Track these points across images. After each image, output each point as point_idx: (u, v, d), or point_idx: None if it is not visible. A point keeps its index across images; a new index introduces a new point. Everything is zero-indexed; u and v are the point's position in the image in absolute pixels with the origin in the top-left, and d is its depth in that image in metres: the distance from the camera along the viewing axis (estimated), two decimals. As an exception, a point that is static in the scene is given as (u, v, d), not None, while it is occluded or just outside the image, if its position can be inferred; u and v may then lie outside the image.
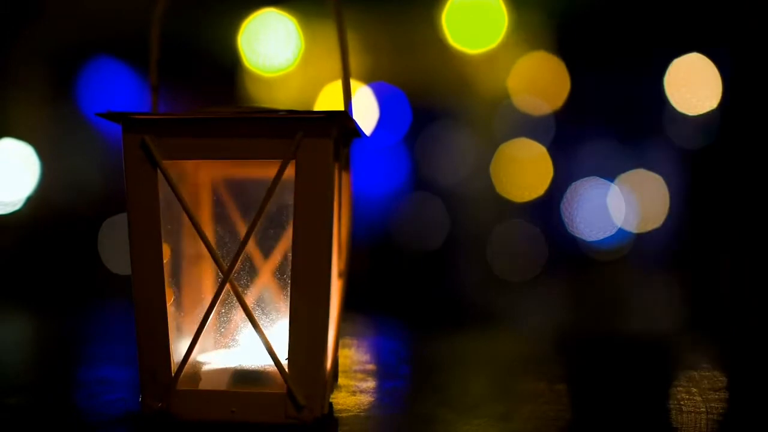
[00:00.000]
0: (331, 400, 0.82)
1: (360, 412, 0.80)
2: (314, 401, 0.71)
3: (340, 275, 0.82)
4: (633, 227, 3.22)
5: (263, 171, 0.75)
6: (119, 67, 3.15)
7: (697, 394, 0.88)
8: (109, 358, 1.15)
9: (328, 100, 3.12)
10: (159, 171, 0.72)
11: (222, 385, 0.74)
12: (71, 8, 3.06)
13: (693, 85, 3.17)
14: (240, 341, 0.78)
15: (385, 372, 1.07)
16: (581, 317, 2.85)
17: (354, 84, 0.82)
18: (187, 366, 0.73)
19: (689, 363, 1.15)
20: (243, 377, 0.74)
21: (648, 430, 0.77)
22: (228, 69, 3.21)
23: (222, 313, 0.77)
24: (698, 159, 3.18)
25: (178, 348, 0.75)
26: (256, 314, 0.74)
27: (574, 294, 3.08)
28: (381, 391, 0.93)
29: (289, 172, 0.72)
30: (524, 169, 3.29)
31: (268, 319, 0.76)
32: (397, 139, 3.32)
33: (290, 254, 0.72)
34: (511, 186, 3.28)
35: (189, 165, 0.78)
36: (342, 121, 0.74)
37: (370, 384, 0.95)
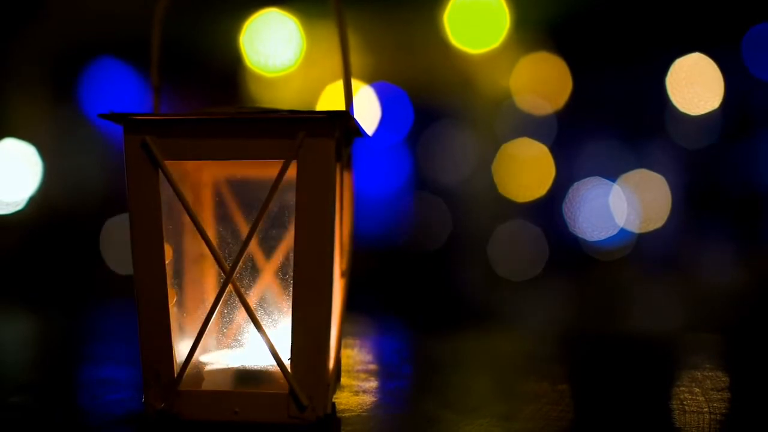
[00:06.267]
0: (334, 400, 0.82)
1: (363, 412, 0.80)
2: (317, 401, 0.71)
3: (342, 275, 0.82)
4: (635, 227, 3.22)
5: (265, 171, 0.75)
6: (121, 68, 3.15)
7: (699, 394, 0.88)
8: (111, 358, 1.15)
9: (330, 99, 3.12)
10: (160, 171, 0.72)
11: (225, 386, 0.74)
12: (73, 9, 3.06)
13: (695, 85, 3.17)
14: (242, 341, 0.78)
15: (387, 372, 1.07)
16: (583, 317, 2.85)
17: (356, 84, 0.82)
18: (189, 366, 0.73)
19: (692, 363, 1.15)
20: (246, 377, 0.74)
21: (651, 430, 0.77)
22: (230, 69, 3.21)
23: (224, 313, 0.77)
24: (700, 159, 3.19)
25: (181, 348, 0.75)
26: (259, 314, 0.74)
27: (575, 294, 3.08)
28: (383, 391, 0.93)
29: (291, 172, 0.72)
30: (526, 169, 3.29)
31: (270, 319, 0.76)
32: (399, 138, 3.32)
33: (292, 254, 0.72)
34: (513, 186, 3.28)
35: (191, 165, 0.78)
36: (344, 121, 0.74)
37: (373, 384, 0.95)
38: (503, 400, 0.90)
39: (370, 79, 3.18)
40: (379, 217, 3.19)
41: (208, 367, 0.76)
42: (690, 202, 3.20)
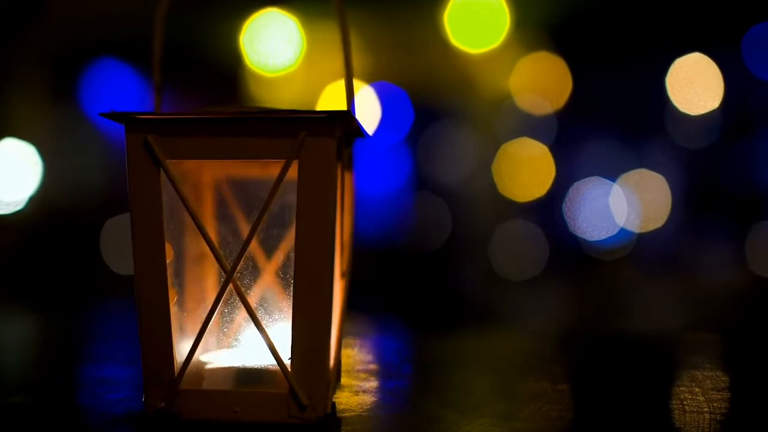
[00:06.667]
0: (334, 400, 0.82)
1: (363, 411, 0.80)
2: (317, 401, 0.71)
3: (342, 275, 0.82)
4: (635, 227, 3.22)
5: (266, 171, 0.75)
6: (121, 68, 3.15)
7: (699, 394, 0.88)
8: (111, 358, 1.15)
9: (330, 99, 3.12)
10: (162, 170, 0.72)
11: (225, 385, 0.74)
12: (73, 9, 3.06)
13: (695, 84, 3.18)
14: (243, 341, 0.78)
15: (387, 372, 1.07)
16: (583, 317, 2.85)
17: (356, 84, 0.82)
18: (190, 365, 0.73)
19: (692, 363, 1.15)
20: (246, 377, 0.74)
21: (651, 430, 0.77)
22: (230, 69, 3.21)
23: (225, 312, 0.77)
24: (700, 159, 3.19)
25: (181, 347, 0.75)
26: (259, 314, 0.74)
27: (575, 293, 3.08)
28: (384, 390, 0.93)
29: (292, 171, 0.72)
30: (526, 169, 3.29)
31: (270, 319, 0.76)
32: (399, 138, 3.32)
33: (293, 254, 0.72)
34: (513, 185, 3.28)
35: (192, 164, 0.78)
36: (345, 120, 0.74)
37: (373, 384, 0.95)
38: (503, 400, 0.90)
39: (370, 79, 3.18)
40: (379, 217, 3.19)
41: (208, 367, 0.76)
42: (690, 202, 3.20)
